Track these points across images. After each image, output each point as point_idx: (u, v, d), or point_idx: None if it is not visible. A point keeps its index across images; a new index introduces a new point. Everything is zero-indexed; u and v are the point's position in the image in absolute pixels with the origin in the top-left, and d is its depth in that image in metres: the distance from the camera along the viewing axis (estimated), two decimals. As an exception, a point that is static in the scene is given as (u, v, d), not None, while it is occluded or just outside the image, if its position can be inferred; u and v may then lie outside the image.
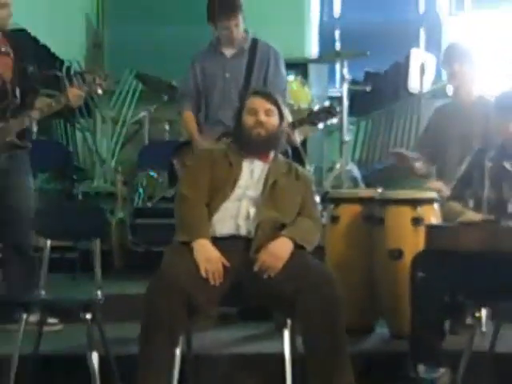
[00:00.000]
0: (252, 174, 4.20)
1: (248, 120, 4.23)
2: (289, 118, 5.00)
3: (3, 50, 4.97)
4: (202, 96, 5.67)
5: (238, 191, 4.12)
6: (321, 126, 6.08)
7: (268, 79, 5.54)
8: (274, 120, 4.23)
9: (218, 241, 3.96)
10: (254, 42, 5.59)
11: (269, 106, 4.23)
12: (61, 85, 5.47)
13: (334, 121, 6.02)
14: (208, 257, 3.89)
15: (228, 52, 5.60)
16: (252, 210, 4.05)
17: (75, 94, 5.00)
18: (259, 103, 4.24)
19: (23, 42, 5.36)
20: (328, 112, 5.65)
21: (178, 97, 6.03)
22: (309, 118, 5.62)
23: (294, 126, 5.40)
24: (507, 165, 4.43)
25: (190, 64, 5.71)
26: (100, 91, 5.16)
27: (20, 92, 5.04)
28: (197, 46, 5.77)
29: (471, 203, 4.51)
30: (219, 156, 4.28)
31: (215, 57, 5.68)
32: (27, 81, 5.13)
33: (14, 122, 4.92)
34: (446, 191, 4.79)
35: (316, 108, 5.82)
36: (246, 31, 5.56)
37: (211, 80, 5.63)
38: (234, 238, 4.01)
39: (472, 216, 4.32)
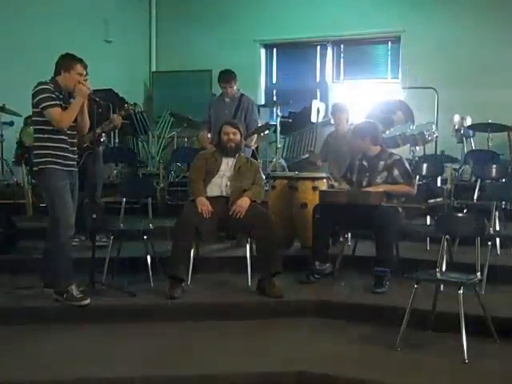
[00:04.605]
0: (228, 164, 5.39)
1: (224, 138, 5.42)
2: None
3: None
4: (212, 123, 6.67)
5: (220, 173, 5.33)
6: (266, 132, 7.19)
7: (248, 115, 6.58)
8: (237, 137, 5.43)
9: (210, 199, 5.18)
10: (242, 95, 6.69)
11: (234, 130, 5.43)
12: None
13: (267, 132, 7.18)
14: (202, 203, 5.10)
15: (227, 99, 6.66)
16: (228, 183, 5.30)
17: (117, 118, 6.03)
18: (229, 129, 5.44)
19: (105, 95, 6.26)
20: (265, 126, 6.89)
21: (201, 123, 7.04)
22: (258, 129, 6.69)
23: (251, 134, 6.50)
24: (364, 163, 5.44)
25: (208, 105, 6.81)
26: (131, 112, 6.29)
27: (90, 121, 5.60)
28: (202, 99, 6.97)
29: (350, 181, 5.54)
30: (210, 156, 5.46)
31: (220, 102, 6.74)
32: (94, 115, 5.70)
33: (87, 136, 5.49)
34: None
35: (260, 124, 6.90)
36: (238, 89, 6.67)
37: (217, 114, 6.63)
38: (219, 197, 5.25)
39: (344, 185, 5.52)
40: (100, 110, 5.72)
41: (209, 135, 6.73)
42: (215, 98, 6.93)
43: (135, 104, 6.46)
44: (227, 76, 6.64)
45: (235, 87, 6.65)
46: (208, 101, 6.89)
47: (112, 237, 5.32)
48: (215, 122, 6.59)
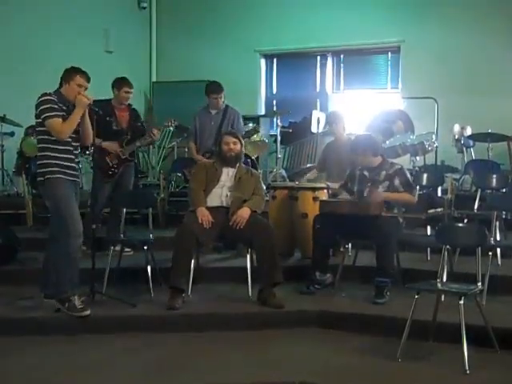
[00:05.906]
0: (228, 174, 5.39)
1: (224, 148, 5.43)
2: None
3: (125, 113, 6.24)
4: (198, 134, 6.84)
5: (220, 183, 5.33)
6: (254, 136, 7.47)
7: (234, 127, 6.67)
8: (238, 147, 5.44)
9: (211, 209, 5.17)
10: (227, 106, 6.84)
11: (234, 139, 5.45)
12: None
13: (255, 136, 7.39)
14: (202, 213, 5.10)
15: (213, 111, 6.81)
16: (228, 193, 5.30)
17: (156, 133, 6.26)
18: (230, 139, 5.46)
19: (132, 110, 6.42)
20: (253, 130, 7.14)
21: (187, 134, 7.25)
22: (248, 134, 6.91)
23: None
24: (365, 173, 5.44)
25: (193, 117, 6.89)
26: (172, 128, 6.73)
27: (130, 133, 6.24)
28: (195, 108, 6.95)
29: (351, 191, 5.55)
30: (210, 166, 5.47)
31: (206, 113, 6.86)
32: (134, 128, 6.31)
33: (127, 148, 6.22)
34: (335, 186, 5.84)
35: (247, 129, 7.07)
36: (223, 101, 6.78)
37: (203, 126, 6.82)
38: (220, 207, 5.25)
39: (344, 196, 5.54)
40: (139, 124, 6.30)
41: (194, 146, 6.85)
42: (200, 110, 7.00)
43: (174, 120, 6.63)
44: (217, 87, 6.74)
45: (223, 98, 6.77)
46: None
47: (113, 246, 5.36)
48: (201, 134, 6.77)
